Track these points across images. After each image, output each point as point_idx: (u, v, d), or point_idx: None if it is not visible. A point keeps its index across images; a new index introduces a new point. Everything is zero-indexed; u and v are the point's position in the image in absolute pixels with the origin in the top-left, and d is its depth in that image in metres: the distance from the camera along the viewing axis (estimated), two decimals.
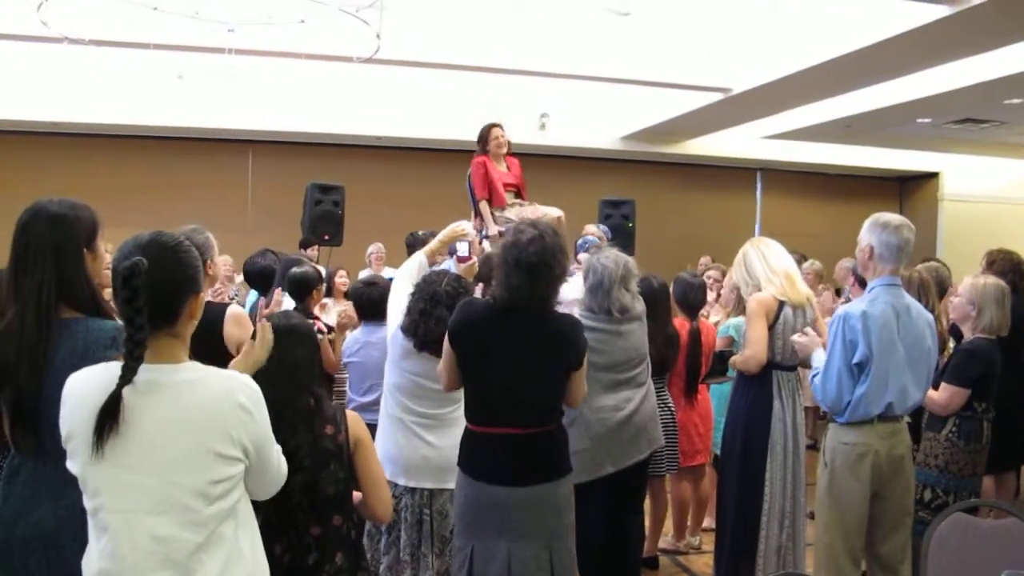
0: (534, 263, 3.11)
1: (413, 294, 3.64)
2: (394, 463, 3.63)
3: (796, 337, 3.89)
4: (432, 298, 3.56)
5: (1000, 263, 5.46)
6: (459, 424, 3.63)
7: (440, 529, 3.61)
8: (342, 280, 7.72)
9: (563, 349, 3.24)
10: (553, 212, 6.13)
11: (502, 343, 3.17)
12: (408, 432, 3.63)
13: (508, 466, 3.14)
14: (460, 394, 3.53)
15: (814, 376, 3.68)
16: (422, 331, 3.53)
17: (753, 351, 4.07)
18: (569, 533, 3.27)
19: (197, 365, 1.95)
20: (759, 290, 4.12)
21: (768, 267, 4.13)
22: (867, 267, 3.64)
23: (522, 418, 3.15)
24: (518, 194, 6.50)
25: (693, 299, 5.32)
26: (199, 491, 1.86)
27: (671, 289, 5.22)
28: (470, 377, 3.24)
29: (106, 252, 2.52)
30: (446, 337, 3.27)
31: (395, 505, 3.60)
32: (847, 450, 3.56)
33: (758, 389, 4.10)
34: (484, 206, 6.25)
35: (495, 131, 6.44)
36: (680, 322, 5.19)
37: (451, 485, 3.58)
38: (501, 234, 5.99)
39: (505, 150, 6.46)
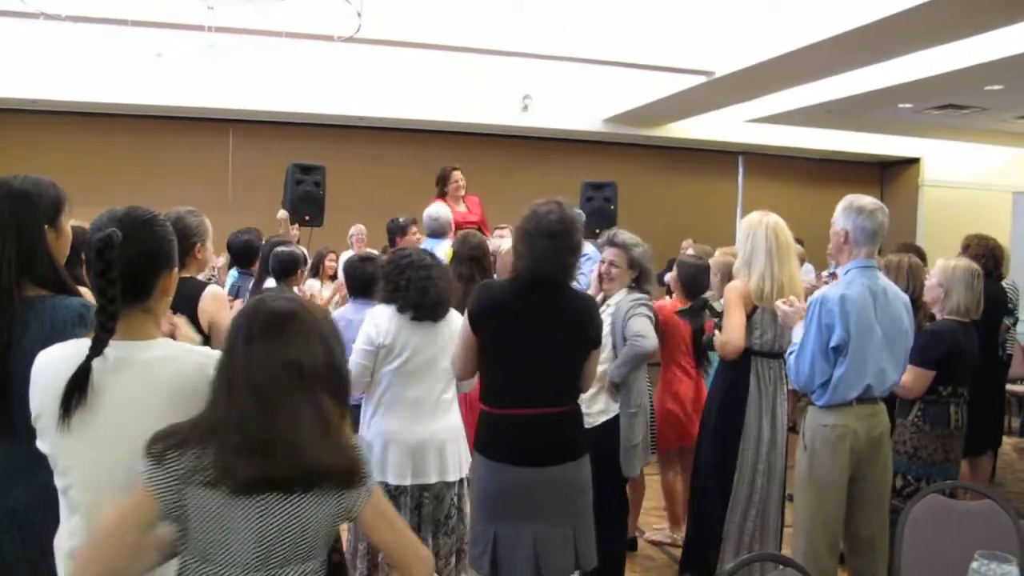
0: (557, 230, 3.11)
1: (386, 270, 3.68)
2: (397, 444, 3.60)
3: (780, 303, 3.82)
4: (418, 264, 3.62)
5: (975, 247, 5.50)
6: (451, 407, 3.67)
7: (436, 513, 3.63)
8: (332, 263, 7.73)
9: (586, 326, 3.23)
10: (507, 243, 6.23)
11: (526, 322, 3.15)
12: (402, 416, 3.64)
13: (536, 447, 3.11)
14: (450, 376, 3.53)
15: (790, 353, 3.68)
16: (403, 288, 3.57)
17: (729, 337, 4.05)
18: (589, 512, 3.26)
19: (168, 342, 1.94)
20: (746, 275, 4.05)
21: (770, 269, 4.00)
22: (842, 250, 3.65)
23: (548, 398, 3.13)
24: (480, 231, 6.57)
25: (702, 283, 5.25)
26: None
27: (675, 273, 5.27)
28: (493, 359, 3.20)
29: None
30: (465, 323, 3.24)
31: (393, 491, 3.58)
32: (826, 432, 3.57)
33: (735, 375, 4.09)
34: None
35: (455, 174, 6.67)
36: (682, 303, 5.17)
37: (449, 477, 3.62)
38: None
39: (463, 192, 6.67)
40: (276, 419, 1.69)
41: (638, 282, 4.23)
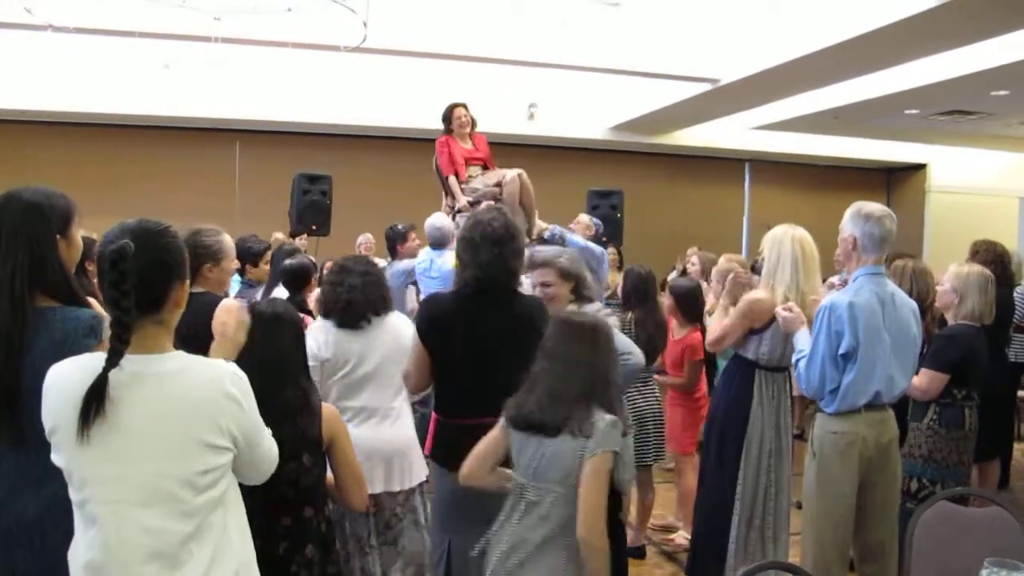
0: (502, 235, 3.12)
1: (326, 282, 3.68)
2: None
3: (779, 309, 3.78)
4: (342, 271, 3.60)
5: (984, 253, 5.48)
6: (400, 416, 3.64)
7: (377, 523, 3.57)
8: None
9: (537, 330, 3.20)
10: (513, 172, 6.21)
11: (475, 330, 3.15)
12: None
13: None
14: (400, 385, 3.52)
15: (798, 360, 3.66)
16: (343, 300, 3.54)
17: (713, 338, 4.09)
18: None
19: (182, 354, 1.93)
20: (768, 287, 3.96)
21: (795, 281, 3.89)
22: (850, 257, 3.63)
23: (500, 406, 3.03)
24: (486, 168, 6.60)
25: (700, 303, 5.30)
26: (188, 481, 1.85)
27: (670, 298, 5.28)
28: (443, 369, 3.20)
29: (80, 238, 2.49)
30: (415, 336, 3.24)
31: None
32: (835, 439, 3.56)
33: (739, 387, 4.03)
34: (452, 181, 6.44)
35: (458, 111, 6.61)
36: (692, 331, 5.20)
37: (393, 487, 3.56)
38: (471, 203, 6.07)
39: (468, 129, 6.63)
40: (564, 388, 2.66)
41: (577, 291, 3.85)
